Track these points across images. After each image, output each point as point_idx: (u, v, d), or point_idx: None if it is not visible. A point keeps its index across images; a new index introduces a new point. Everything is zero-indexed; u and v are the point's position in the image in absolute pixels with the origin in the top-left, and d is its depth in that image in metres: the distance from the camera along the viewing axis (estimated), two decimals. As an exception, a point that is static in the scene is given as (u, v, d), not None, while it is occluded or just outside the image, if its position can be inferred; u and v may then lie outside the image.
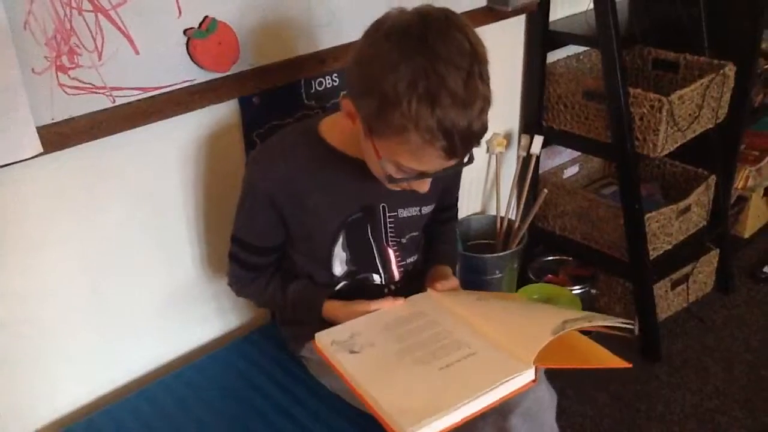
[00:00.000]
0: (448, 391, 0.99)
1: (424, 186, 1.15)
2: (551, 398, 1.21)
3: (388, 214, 1.30)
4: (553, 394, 1.22)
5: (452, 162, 1.05)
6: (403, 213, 1.32)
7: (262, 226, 1.27)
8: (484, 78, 1.01)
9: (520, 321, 1.15)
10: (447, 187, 1.40)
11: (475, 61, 0.99)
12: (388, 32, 1.00)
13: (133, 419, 1.35)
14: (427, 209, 1.35)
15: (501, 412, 1.12)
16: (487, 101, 1.01)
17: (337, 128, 1.20)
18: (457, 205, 1.52)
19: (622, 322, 1.09)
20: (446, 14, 1.02)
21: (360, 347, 1.11)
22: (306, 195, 1.23)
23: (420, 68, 0.96)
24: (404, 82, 0.96)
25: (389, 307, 1.22)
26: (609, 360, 1.06)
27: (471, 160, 1.10)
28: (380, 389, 1.00)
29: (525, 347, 1.03)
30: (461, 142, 1.00)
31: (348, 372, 1.06)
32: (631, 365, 1.04)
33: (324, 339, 1.14)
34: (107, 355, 1.44)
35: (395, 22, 1.01)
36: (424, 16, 1.00)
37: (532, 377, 1.02)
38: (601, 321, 1.09)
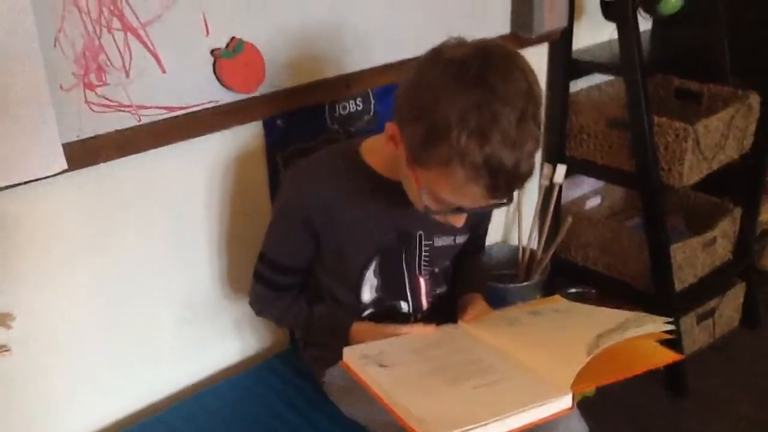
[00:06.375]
0: (481, 406, 0.96)
1: (460, 220, 1.12)
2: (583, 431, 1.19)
3: (424, 242, 1.28)
4: (585, 428, 1.19)
5: (494, 200, 1.04)
6: (439, 242, 1.29)
7: (294, 246, 1.26)
8: (537, 120, 1.00)
9: (554, 343, 1.12)
10: (480, 219, 1.38)
11: (531, 102, 0.98)
12: (446, 62, 0.99)
13: (149, 445, 1.33)
14: (461, 239, 1.33)
15: None
16: (537, 143, 1.00)
17: (379, 151, 1.17)
18: (486, 236, 1.50)
19: (660, 323, 1.06)
20: (508, 52, 1.00)
21: (390, 362, 1.08)
22: (343, 218, 1.21)
23: (475, 103, 0.94)
24: (456, 114, 0.95)
25: (419, 332, 1.20)
26: (653, 358, 1.03)
27: (510, 200, 1.08)
28: (412, 399, 0.98)
29: (561, 372, 1.00)
30: (506, 182, 0.99)
31: (378, 383, 1.03)
32: (683, 356, 1.00)
33: (353, 353, 1.12)
34: (123, 378, 1.42)
35: (454, 53, 1.00)
36: (485, 51, 0.99)
37: (569, 404, 0.99)
38: (634, 330, 1.06)
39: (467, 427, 0.90)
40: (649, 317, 1.11)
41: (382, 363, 1.08)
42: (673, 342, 1.05)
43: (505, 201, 1.06)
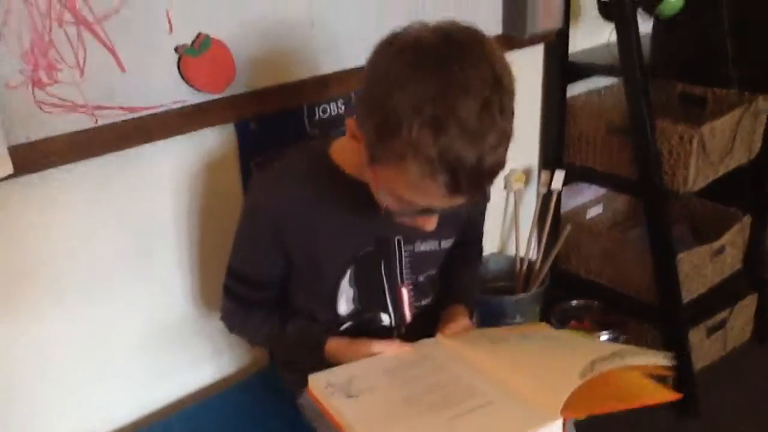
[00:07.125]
0: None
1: (430, 223, 1.02)
2: None
3: (404, 248, 1.18)
4: None
5: (457, 200, 0.93)
6: (421, 247, 1.19)
7: (263, 257, 1.16)
8: (505, 110, 0.88)
9: (543, 364, 1.01)
10: (470, 218, 1.27)
11: (497, 90, 0.87)
12: (402, 47, 0.89)
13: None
14: (446, 243, 1.23)
15: None
16: (504, 136, 0.89)
17: (350, 151, 1.07)
18: (482, 241, 1.39)
19: (661, 357, 0.96)
20: (474, 36, 0.90)
21: (359, 391, 0.98)
22: (315, 224, 1.11)
23: (431, 92, 0.84)
24: (409, 104, 0.85)
25: (394, 350, 1.09)
26: (652, 394, 0.91)
27: (486, 198, 0.97)
28: None
29: (549, 395, 0.90)
30: (467, 178, 0.88)
31: (344, 419, 0.93)
32: (680, 396, 0.91)
33: (318, 381, 1.02)
34: (90, 400, 1.32)
35: (412, 37, 0.90)
36: (448, 34, 0.89)
37: (560, 430, 0.88)
38: (632, 358, 0.95)
39: None
40: (647, 350, 0.99)
41: (350, 392, 0.98)
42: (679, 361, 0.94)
43: (478, 200, 0.95)
